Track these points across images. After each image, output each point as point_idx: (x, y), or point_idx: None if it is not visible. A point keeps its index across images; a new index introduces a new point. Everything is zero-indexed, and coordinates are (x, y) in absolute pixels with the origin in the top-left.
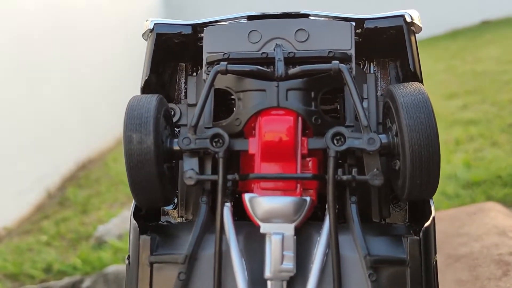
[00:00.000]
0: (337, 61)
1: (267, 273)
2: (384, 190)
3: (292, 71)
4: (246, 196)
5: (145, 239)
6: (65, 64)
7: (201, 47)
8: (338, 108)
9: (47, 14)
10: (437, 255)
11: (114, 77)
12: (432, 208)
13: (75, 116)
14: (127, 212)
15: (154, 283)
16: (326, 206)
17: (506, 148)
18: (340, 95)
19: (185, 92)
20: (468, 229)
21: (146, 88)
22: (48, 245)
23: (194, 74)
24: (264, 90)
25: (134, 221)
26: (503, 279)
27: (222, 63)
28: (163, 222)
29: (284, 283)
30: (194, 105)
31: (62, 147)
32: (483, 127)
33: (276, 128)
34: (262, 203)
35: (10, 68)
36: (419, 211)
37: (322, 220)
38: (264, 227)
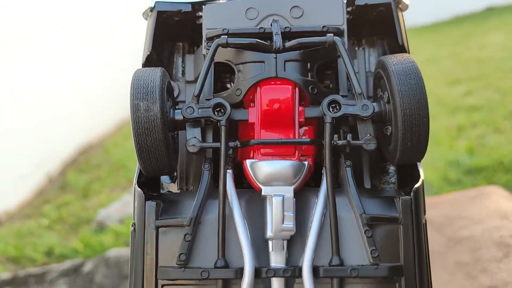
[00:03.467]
0: (332, 34)
1: (269, 233)
2: (374, 158)
3: (289, 43)
4: (248, 162)
5: (151, 204)
6: (67, 49)
7: (199, 25)
8: (330, 84)
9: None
10: (426, 215)
11: (115, 63)
12: (421, 171)
13: (76, 101)
14: (128, 197)
15: (159, 246)
16: (323, 171)
17: (509, 134)
18: (331, 69)
19: (183, 70)
20: (469, 212)
21: (147, 64)
22: (49, 229)
23: (191, 54)
24: (263, 62)
25: (139, 189)
26: (504, 261)
27: (222, 36)
28: (165, 192)
29: (285, 243)
30: (193, 81)
31: (63, 132)
32: (486, 114)
33: (276, 96)
34: (263, 167)
35: (11, 53)
36: (408, 176)
37: (318, 186)
38: (265, 190)
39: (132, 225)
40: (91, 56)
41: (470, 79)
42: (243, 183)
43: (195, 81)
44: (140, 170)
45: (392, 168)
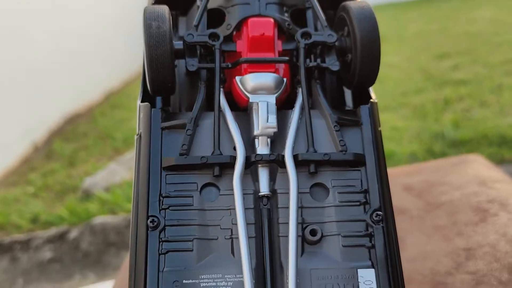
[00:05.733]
0: None
1: (256, 131)
2: (337, 89)
3: None
4: (237, 78)
5: (156, 111)
6: (55, 16)
7: None
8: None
9: None
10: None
11: (104, 31)
12: (373, 95)
13: (63, 69)
14: (114, 165)
15: (163, 144)
16: (297, 91)
17: (494, 108)
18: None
19: (176, 32)
20: (449, 179)
21: None
22: (35, 197)
23: (184, 16)
24: (248, 4)
25: (143, 103)
26: (480, 224)
27: None
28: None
29: (269, 140)
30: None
31: (49, 101)
32: (473, 88)
33: (260, 26)
34: (251, 78)
35: None
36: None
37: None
38: (252, 98)
39: (137, 135)
40: (80, 24)
41: (458, 53)
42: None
43: None
44: (142, 93)
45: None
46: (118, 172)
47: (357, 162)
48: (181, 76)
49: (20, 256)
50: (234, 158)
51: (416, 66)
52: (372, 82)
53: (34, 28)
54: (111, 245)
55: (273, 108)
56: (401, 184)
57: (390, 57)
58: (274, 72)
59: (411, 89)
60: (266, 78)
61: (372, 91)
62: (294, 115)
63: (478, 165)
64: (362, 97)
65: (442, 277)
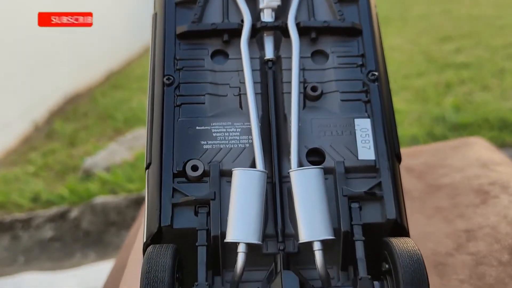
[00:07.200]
0: None
1: (262, 4)
2: None
3: None
4: None
5: None
6: None
7: None
8: None
9: None
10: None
11: (105, 11)
12: None
13: (64, 48)
14: (115, 146)
15: (177, 18)
16: None
17: (495, 92)
18: None
19: None
20: (450, 161)
21: None
22: (36, 176)
23: None
24: None
25: None
26: (481, 206)
27: None
28: None
29: (273, 13)
30: None
31: (50, 80)
32: (474, 71)
33: None
34: None
35: None
36: None
37: None
38: None
39: (152, 14)
40: (81, 3)
41: (461, 36)
42: None
43: None
44: None
45: None
46: (119, 152)
47: (354, 29)
48: None
49: (21, 234)
50: (241, 25)
51: (419, 48)
52: None
53: (34, 8)
54: (111, 224)
55: None
56: (401, 166)
57: (393, 39)
58: None
59: (413, 72)
60: None
61: None
62: None
63: (479, 148)
64: None
65: (442, 258)
